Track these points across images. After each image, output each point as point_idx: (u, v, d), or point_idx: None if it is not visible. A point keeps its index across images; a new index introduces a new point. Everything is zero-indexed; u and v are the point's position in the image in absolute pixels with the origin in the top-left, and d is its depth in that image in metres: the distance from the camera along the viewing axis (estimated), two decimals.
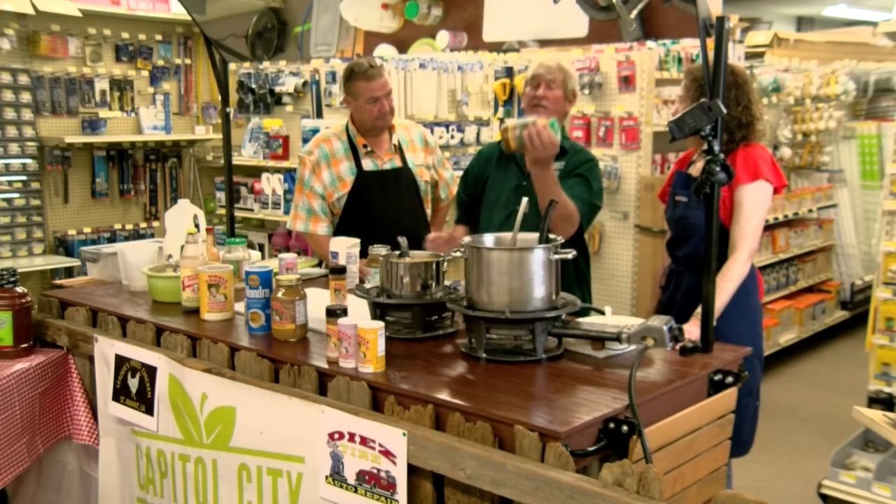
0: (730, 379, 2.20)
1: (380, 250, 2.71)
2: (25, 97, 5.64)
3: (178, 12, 5.82)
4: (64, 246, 5.93)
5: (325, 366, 2.21)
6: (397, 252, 2.56)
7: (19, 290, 2.81)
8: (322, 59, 5.34)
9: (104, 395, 2.68)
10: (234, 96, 5.95)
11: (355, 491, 1.99)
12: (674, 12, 2.37)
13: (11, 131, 5.59)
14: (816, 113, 6.78)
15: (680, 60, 5.45)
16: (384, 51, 3.26)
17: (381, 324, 2.16)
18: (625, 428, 1.85)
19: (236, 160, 5.60)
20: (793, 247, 6.41)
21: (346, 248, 2.98)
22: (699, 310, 2.35)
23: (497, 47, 3.21)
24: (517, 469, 1.72)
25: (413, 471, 1.92)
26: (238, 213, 5.64)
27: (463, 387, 2.09)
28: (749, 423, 2.91)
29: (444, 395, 1.99)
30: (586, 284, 3.28)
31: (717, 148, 2.22)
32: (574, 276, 3.17)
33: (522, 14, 2.81)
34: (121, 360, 2.60)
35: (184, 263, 2.77)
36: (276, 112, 5.98)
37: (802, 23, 15.29)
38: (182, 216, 3.10)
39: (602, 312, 2.50)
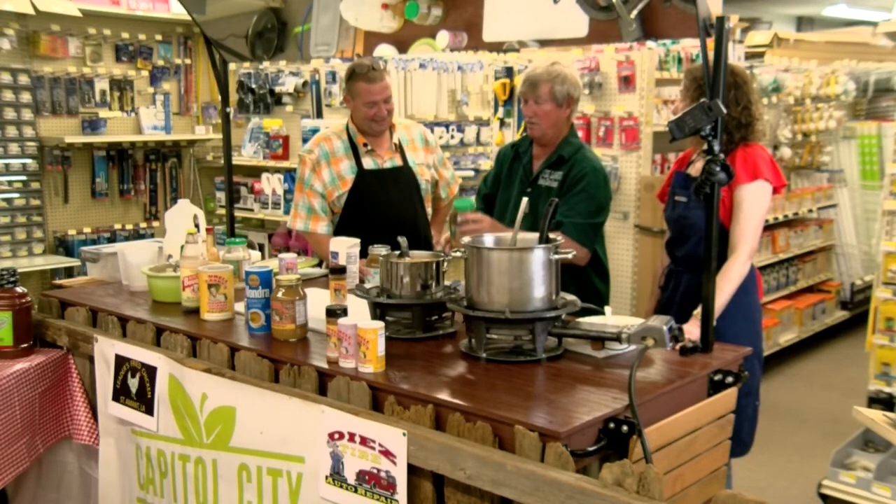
0: (730, 379, 2.20)
1: (380, 250, 2.71)
2: (25, 97, 5.64)
3: (178, 12, 5.82)
4: (64, 246, 5.93)
5: (325, 366, 2.21)
6: (397, 252, 2.56)
7: (19, 290, 2.81)
8: (322, 59, 5.35)
9: (104, 395, 2.68)
10: (234, 96, 5.95)
11: (355, 491, 1.99)
12: (674, 12, 2.37)
13: (11, 131, 5.59)
14: (816, 113, 6.78)
15: (680, 60, 5.44)
16: (384, 51, 3.26)
17: (381, 324, 2.16)
18: (625, 428, 1.85)
19: (236, 160, 5.61)
20: (793, 247, 6.40)
21: (346, 248, 2.98)
22: (699, 310, 2.35)
23: (497, 47, 3.20)
24: (517, 469, 1.72)
25: (413, 471, 1.92)
26: (238, 213, 5.65)
27: (463, 387, 2.09)
28: (749, 423, 2.91)
29: (444, 395, 1.99)
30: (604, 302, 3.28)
31: (716, 148, 2.22)
32: (593, 293, 3.16)
33: (522, 14, 2.81)
34: (121, 360, 2.60)
35: (184, 263, 2.77)
36: (276, 112, 5.98)
37: (802, 23, 15.28)
38: (182, 216, 3.10)
39: (602, 312, 2.50)
